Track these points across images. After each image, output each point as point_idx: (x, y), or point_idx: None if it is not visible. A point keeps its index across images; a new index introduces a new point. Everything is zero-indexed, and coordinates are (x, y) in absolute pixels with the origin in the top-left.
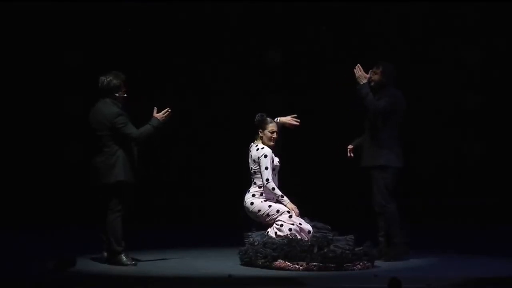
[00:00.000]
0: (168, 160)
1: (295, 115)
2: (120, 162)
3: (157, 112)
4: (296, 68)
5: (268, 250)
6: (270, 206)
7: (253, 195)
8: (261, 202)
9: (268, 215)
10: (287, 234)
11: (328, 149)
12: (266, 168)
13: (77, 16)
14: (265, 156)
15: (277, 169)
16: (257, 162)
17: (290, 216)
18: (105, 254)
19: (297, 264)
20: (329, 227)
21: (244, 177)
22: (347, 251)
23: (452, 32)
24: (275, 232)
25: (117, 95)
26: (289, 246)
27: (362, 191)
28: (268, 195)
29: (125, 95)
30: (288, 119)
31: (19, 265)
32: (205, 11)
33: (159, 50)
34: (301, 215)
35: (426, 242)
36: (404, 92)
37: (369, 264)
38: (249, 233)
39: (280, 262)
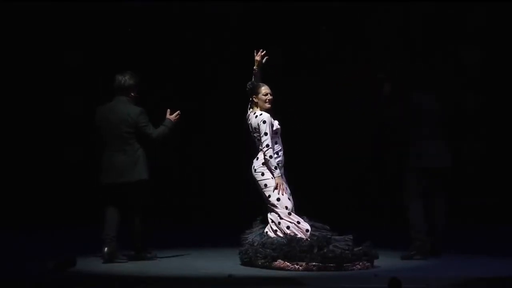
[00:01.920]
0: (168, 160)
1: (254, 50)
2: (142, 160)
3: (170, 114)
4: (296, 68)
5: (268, 250)
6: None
7: (264, 164)
8: (271, 178)
9: (269, 196)
10: (286, 233)
11: (328, 149)
12: (266, 134)
13: (77, 16)
14: (264, 122)
15: (279, 131)
16: (258, 129)
17: (290, 213)
18: (106, 252)
19: (297, 264)
20: (328, 227)
21: (245, 176)
22: (346, 251)
23: (452, 32)
24: (275, 231)
25: (132, 94)
26: (289, 246)
27: (362, 191)
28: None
29: (138, 95)
30: (256, 59)
31: (19, 265)
32: (205, 11)
33: (159, 50)
34: (300, 214)
35: None
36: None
37: (368, 264)
38: (246, 235)
39: (279, 262)
